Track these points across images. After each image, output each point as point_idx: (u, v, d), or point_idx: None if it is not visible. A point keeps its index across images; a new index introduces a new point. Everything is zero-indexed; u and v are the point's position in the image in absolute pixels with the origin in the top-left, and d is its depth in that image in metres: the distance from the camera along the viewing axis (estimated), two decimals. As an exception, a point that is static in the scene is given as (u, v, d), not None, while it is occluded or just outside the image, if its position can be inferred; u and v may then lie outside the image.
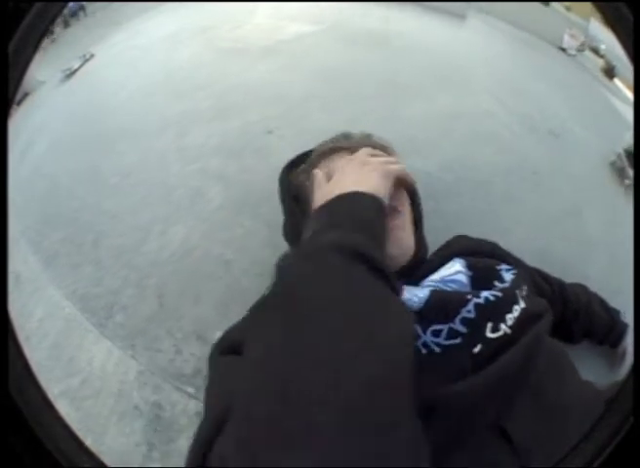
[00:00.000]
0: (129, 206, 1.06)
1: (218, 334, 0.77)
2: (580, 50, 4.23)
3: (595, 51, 4.59)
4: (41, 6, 0.67)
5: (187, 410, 0.78)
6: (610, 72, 4.21)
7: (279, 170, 0.92)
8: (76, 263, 0.95)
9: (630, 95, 2.01)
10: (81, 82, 1.50)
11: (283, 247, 0.91)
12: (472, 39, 3.52)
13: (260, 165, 1.15)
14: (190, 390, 0.80)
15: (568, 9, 4.79)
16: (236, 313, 0.80)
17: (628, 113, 2.21)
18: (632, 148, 2.07)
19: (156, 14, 2.79)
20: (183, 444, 0.74)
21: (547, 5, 4.43)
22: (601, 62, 4.54)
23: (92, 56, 1.74)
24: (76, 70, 1.54)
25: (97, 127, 1.49)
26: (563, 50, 4.27)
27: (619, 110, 2.77)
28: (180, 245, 0.95)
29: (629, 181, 2.04)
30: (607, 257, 1.26)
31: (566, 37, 4.19)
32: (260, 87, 1.66)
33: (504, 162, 1.39)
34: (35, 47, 0.70)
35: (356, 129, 1.09)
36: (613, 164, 2.07)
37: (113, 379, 0.80)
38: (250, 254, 0.93)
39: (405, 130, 1.28)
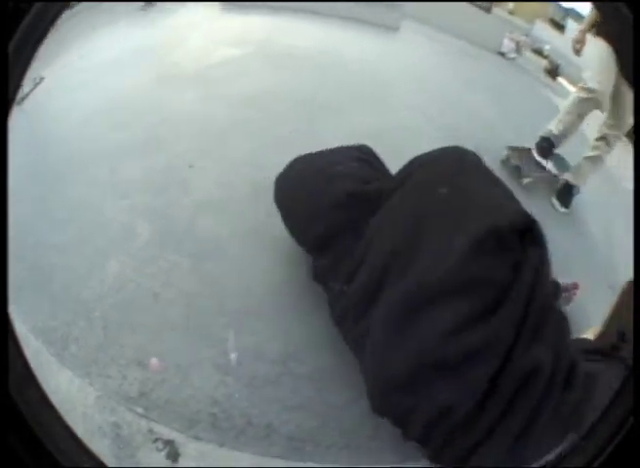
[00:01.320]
0: (74, 240, 1.29)
1: (154, 360, 1.02)
2: (519, 52, 4.71)
3: (539, 52, 5.08)
4: (41, 6, 0.71)
5: (141, 428, 1.02)
6: (553, 72, 4.67)
7: (200, 203, 1.21)
8: (35, 298, 1.16)
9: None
10: (30, 108, 1.70)
11: (207, 278, 1.18)
12: (405, 52, 3.92)
13: (183, 199, 1.40)
14: (139, 410, 1.03)
15: (511, 12, 5.27)
16: (167, 341, 1.06)
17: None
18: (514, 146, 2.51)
19: (101, 34, 2.84)
20: (143, 456, 0.97)
21: (489, 12, 4.92)
22: (545, 63, 5.00)
23: (42, 79, 1.95)
24: (27, 95, 1.70)
25: (44, 157, 1.70)
26: (502, 54, 4.76)
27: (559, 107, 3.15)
28: (115, 279, 1.20)
29: (528, 180, 2.44)
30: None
31: (506, 41, 4.68)
32: (188, 118, 1.93)
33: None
34: (35, 47, 0.74)
35: (276, 155, 1.36)
36: (504, 162, 2.46)
37: (78, 404, 1.01)
38: (175, 287, 1.19)
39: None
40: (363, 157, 1.27)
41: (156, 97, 2.11)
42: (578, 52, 2.47)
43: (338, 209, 1.12)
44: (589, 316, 1.43)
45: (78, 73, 2.31)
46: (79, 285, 1.18)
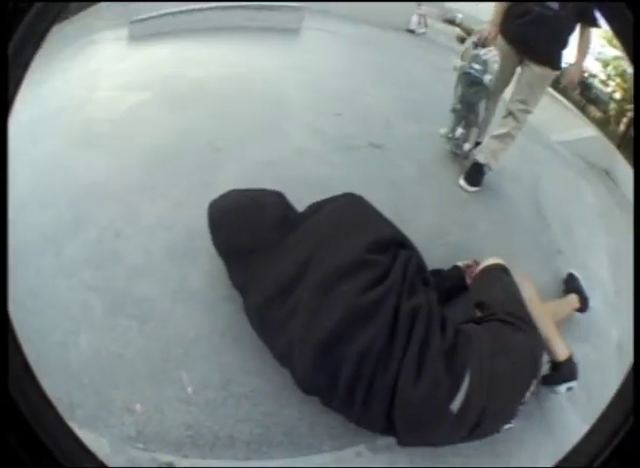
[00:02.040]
0: (45, 326, 1.55)
1: (138, 405, 1.38)
2: (425, 25, 5.06)
3: (451, 21, 5.52)
4: (40, 6, 0.74)
5: (147, 459, 1.27)
6: (465, 40, 5.07)
7: (134, 270, 1.57)
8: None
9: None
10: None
11: (154, 334, 1.56)
12: (306, 57, 4.20)
13: (117, 269, 1.72)
14: (140, 446, 1.29)
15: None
16: (141, 388, 1.41)
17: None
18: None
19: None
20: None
21: None
22: (457, 31, 5.43)
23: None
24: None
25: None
26: (411, 31, 5.15)
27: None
28: (88, 349, 1.50)
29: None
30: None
31: (414, 18, 5.07)
32: (103, 184, 2.15)
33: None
34: (35, 48, 0.78)
35: (186, 215, 1.75)
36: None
37: (98, 453, 1.36)
38: (133, 345, 1.54)
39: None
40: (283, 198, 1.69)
41: (73, 164, 2.36)
42: (489, 44, 2.56)
43: (264, 230, 1.52)
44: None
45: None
46: (63, 360, 1.48)
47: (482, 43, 2.51)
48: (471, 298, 1.57)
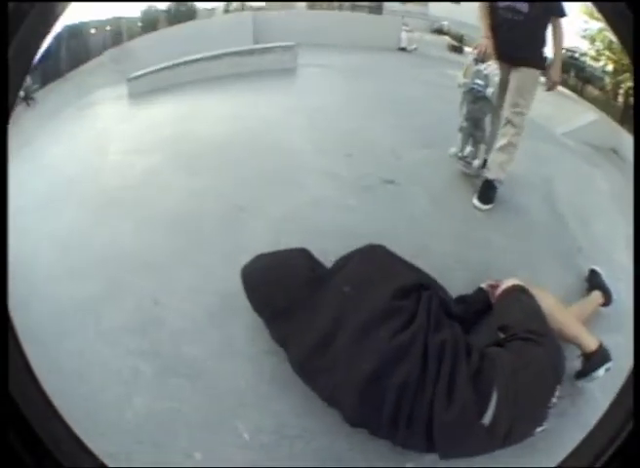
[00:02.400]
0: (97, 390, 1.76)
1: (197, 454, 1.59)
2: (413, 42, 5.24)
3: (439, 31, 5.76)
4: (40, 10, 0.78)
5: None
6: (458, 47, 5.29)
7: (177, 334, 1.80)
8: (95, 436, 1.66)
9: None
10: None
11: (205, 390, 1.78)
12: (304, 97, 4.45)
13: (161, 335, 1.93)
14: None
15: (403, 2, 5.84)
16: (203, 440, 1.58)
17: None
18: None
19: (23, 162, 3.06)
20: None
21: (381, 13, 5.48)
22: (447, 39, 5.66)
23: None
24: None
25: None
26: (403, 49, 5.39)
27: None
28: (143, 409, 1.67)
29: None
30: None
31: (403, 35, 5.32)
32: (133, 253, 2.36)
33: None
34: (36, 49, 0.82)
35: (220, 278, 1.98)
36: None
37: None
38: (186, 402, 1.71)
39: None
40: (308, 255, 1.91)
41: (98, 234, 2.56)
42: (488, 58, 2.72)
43: (296, 289, 1.73)
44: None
45: (20, 214, 2.81)
46: (118, 421, 1.67)
47: (481, 58, 2.71)
48: (494, 322, 1.76)
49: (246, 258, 1.95)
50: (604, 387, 1.88)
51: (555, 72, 2.74)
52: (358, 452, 1.54)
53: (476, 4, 2.90)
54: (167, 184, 2.85)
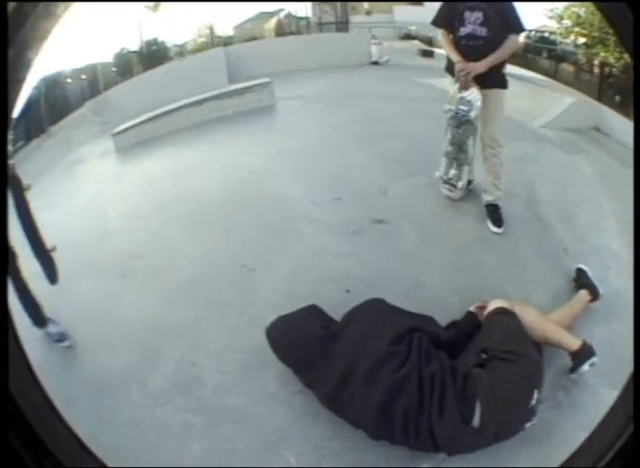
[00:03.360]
0: (146, 445, 2.25)
1: None
2: (382, 55, 5.74)
3: (408, 36, 6.41)
4: (41, 10, 0.85)
5: None
6: (427, 51, 5.89)
7: (218, 389, 2.40)
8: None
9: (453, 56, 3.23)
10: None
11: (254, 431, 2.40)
12: (287, 135, 4.87)
13: (204, 392, 2.46)
14: None
15: (368, 12, 6.50)
16: None
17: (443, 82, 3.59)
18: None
19: None
20: None
21: (347, 31, 6.02)
22: (416, 44, 6.31)
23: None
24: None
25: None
26: (376, 63, 5.96)
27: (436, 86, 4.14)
28: (200, 454, 2.19)
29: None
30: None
31: (373, 49, 5.90)
32: (158, 319, 2.86)
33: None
34: (37, 50, 0.90)
35: (241, 332, 2.61)
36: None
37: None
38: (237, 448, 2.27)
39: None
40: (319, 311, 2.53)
41: (120, 303, 3.01)
42: (470, 86, 3.20)
43: (314, 345, 2.35)
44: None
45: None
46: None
47: (464, 86, 3.24)
48: (478, 345, 2.36)
49: (265, 314, 2.56)
50: (598, 375, 2.39)
51: (478, 65, 3.15)
52: (384, 461, 2.12)
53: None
54: (175, 249, 3.38)
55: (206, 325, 2.84)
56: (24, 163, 4.07)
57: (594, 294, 2.78)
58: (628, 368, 2.10)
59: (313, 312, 2.54)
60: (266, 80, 5.28)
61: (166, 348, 2.72)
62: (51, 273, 2.90)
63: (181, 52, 6.17)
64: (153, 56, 6.00)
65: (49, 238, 3.38)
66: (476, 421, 2.02)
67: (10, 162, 2.49)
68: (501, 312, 2.39)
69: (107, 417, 2.38)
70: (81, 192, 4.45)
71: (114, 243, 3.61)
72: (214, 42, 6.16)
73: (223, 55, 5.80)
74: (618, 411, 1.02)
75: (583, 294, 2.78)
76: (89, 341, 2.81)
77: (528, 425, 2.11)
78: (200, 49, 6.20)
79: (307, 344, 2.35)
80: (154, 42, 6.02)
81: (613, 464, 0.94)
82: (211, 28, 6.17)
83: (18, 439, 0.88)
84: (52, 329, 2.84)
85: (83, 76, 5.44)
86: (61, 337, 2.83)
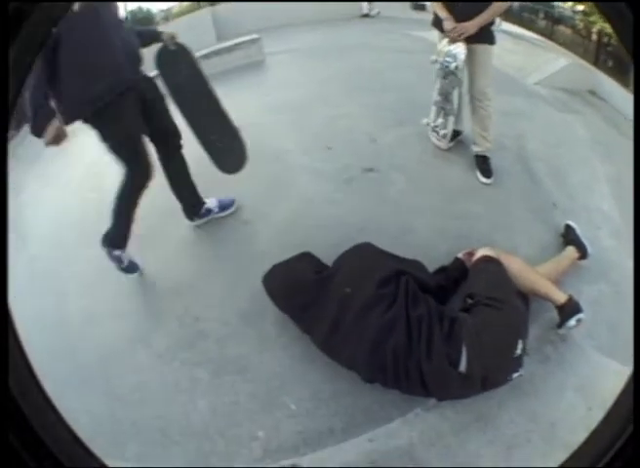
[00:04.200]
0: (156, 408, 2.38)
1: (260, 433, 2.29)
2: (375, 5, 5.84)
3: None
4: (42, 10, 0.86)
5: None
6: (420, 6, 6.02)
7: (221, 340, 2.60)
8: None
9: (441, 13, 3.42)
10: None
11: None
12: (277, 89, 4.94)
13: (208, 344, 2.63)
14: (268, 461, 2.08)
15: None
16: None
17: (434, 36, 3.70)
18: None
19: (24, 206, 3.72)
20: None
21: None
22: (408, -2, 6.37)
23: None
24: None
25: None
26: (367, 15, 6.08)
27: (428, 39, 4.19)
28: (207, 409, 2.33)
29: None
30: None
31: (364, 2, 5.97)
32: (165, 280, 3.02)
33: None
34: (37, 50, 0.91)
35: (242, 283, 2.78)
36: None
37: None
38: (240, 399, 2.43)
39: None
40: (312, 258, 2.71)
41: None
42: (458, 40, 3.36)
43: (308, 290, 2.52)
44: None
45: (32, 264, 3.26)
46: (187, 423, 2.31)
47: (453, 40, 3.41)
48: (465, 290, 2.48)
49: (261, 264, 2.73)
50: (585, 333, 2.52)
51: (471, 24, 3.31)
52: (378, 404, 2.29)
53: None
54: (170, 208, 3.46)
55: (205, 279, 3.00)
56: (19, 149, 4.16)
57: (582, 252, 2.90)
58: (615, 331, 2.46)
59: (306, 258, 2.72)
60: (255, 36, 5.34)
61: (169, 307, 2.90)
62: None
63: (167, 17, 6.16)
64: (139, 21, 6.04)
65: (49, 215, 3.80)
66: (463, 365, 2.15)
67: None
68: (488, 260, 2.50)
69: (117, 387, 2.54)
70: (75, 167, 4.54)
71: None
72: (200, 3, 6.15)
73: (210, 15, 5.80)
74: (617, 411, 1.03)
75: (571, 251, 2.90)
76: (96, 310, 2.95)
77: (515, 375, 2.23)
78: (187, 11, 6.19)
79: (302, 289, 2.52)
80: (139, 10, 6.04)
81: (613, 464, 0.95)
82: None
83: (18, 439, 0.89)
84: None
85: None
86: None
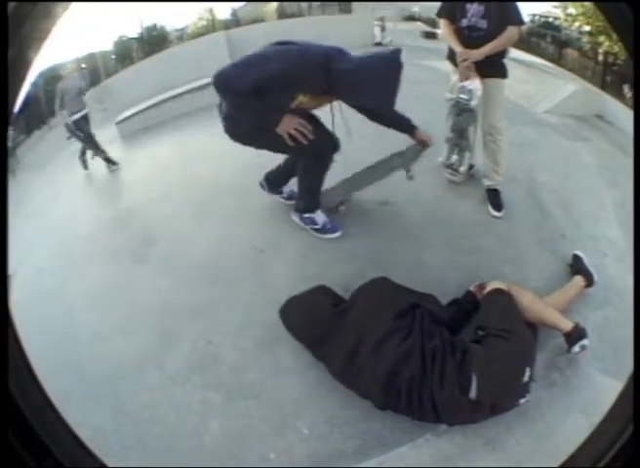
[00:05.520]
0: (165, 427, 2.47)
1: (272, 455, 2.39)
2: (385, 35, 5.99)
3: (412, 18, 6.68)
4: (41, 10, 0.88)
5: None
6: (431, 34, 6.16)
7: (235, 365, 2.72)
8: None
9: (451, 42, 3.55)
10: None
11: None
12: None
13: (222, 368, 2.73)
14: None
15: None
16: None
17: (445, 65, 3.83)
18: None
19: (30, 216, 3.83)
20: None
21: (350, 12, 6.26)
22: (419, 25, 6.59)
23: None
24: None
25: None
26: (379, 44, 6.22)
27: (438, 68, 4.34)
28: (219, 432, 2.43)
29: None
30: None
31: (376, 30, 6.13)
32: (175, 301, 3.11)
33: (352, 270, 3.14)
34: (37, 50, 0.93)
35: (256, 309, 2.89)
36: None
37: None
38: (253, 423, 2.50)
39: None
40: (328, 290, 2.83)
41: (137, 287, 3.25)
42: (471, 76, 3.48)
43: (324, 323, 2.65)
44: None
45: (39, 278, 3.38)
46: (197, 446, 2.38)
47: (465, 76, 3.53)
48: (476, 322, 2.64)
49: (277, 293, 2.87)
50: (591, 357, 2.64)
51: (477, 52, 3.41)
52: (389, 430, 2.40)
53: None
54: (189, 235, 3.63)
55: (220, 305, 3.10)
56: (27, 155, 4.39)
57: (589, 280, 3.03)
58: (620, 353, 2.50)
59: (322, 291, 2.86)
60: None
61: (183, 330, 2.97)
62: None
63: (181, 36, 6.33)
64: (153, 41, 6.20)
65: (58, 229, 3.86)
66: (473, 393, 2.28)
67: None
68: (499, 292, 2.64)
69: (126, 404, 2.59)
70: (88, 181, 4.75)
71: (128, 230, 3.85)
72: (215, 26, 6.33)
73: (225, 38, 5.97)
74: (617, 411, 1.05)
75: (579, 280, 3.03)
76: (104, 328, 3.02)
77: (522, 401, 2.37)
78: (200, 33, 6.38)
79: (319, 322, 2.64)
80: (154, 28, 6.20)
81: (613, 464, 0.97)
82: (212, 12, 6.35)
83: (18, 439, 0.91)
84: None
85: (83, 65, 5.62)
86: None
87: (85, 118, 4.58)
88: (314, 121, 3.15)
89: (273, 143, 3.15)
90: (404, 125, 3.39)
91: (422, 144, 3.46)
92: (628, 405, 1.00)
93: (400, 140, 3.50)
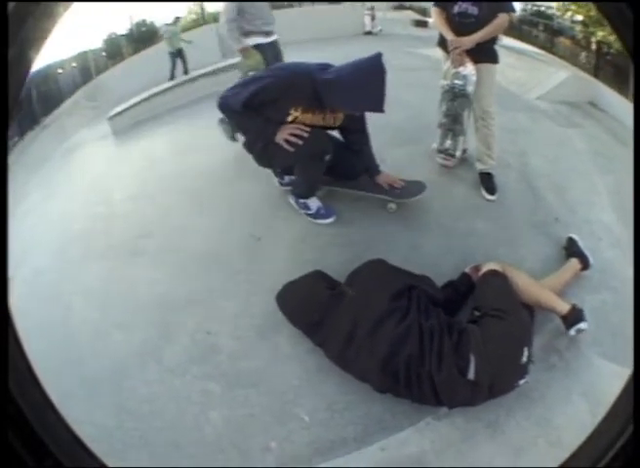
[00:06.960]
0: (165, 421, 2.45)
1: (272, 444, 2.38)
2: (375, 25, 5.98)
3: (401, 6, 6.65)
4: (41, 10, 0.89)
5: None
6: (422, 22, 6.16)
7: (234, 354, 2.71)
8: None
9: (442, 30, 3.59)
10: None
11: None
12: None
13: (220, 357, 2.72)
14: None
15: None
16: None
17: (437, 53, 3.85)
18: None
19: (26, 215, 3.73)
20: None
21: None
22: (410, 14, 6.58)
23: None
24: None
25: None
26: (369, 33, 6.22)
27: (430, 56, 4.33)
28: (220, 421, 2.42)
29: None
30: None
31: (366, 20, 6.13)
32: (172, 294, 3.07)
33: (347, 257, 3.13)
34: (37, 50, 0.93)
35: (254, 298, 2.88)
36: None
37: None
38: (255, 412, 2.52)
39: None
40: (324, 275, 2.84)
41: (133, 282, 3.22)
42: (465, 62, 3.51)
43: (321, 307, 2.64)
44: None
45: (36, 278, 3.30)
46: (199, 436, 2.38)
47: (458, 63, 3.55)
48: (472, 303, 2.67)
49: (274, 281, 2.86)
50: (590, 340, 2.67)
51: (467, 39, 3.46)
52: (389, 414, 2.40)
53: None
54: (185, 228, 3.61)
55: (218, 295, 3.09)
56: (22, 157, 4.33)
57: (585, 263, 3.06)
58: (619, 337, 2.57)
59: (319, 276, 2.86)
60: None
61: (182, 321, 2.94)
62: None
63: (172, 30, 6.27)
64: (142, 36, 6.18)
65: (54, 227, 3.83)
66: (471, 373, 2.30)
67: None
68: (494, 274, 2.67)
69: (127, 399, 2.58)
70: (82, 178, 4.65)
71: (121, 226, 3.82)
72: (205, 18, 6.29)
73: (216, 31, 5.93)
74: (617, 411, 1.05)
75: (574, 263, 3.06)
76: (103, 324, 2.98)
77: (521, 382, 2.39)
78: (191, 27, 6.34)
79: (315, 306, 2.64)
80: (143, 23, 6.17)
81: (613, 464, 0.97)
82: (201, 5, 6.31)
83: (18, 439, 0.91)
84: None
85: (74, 64, 5.64)
86: None
87: None
88: (311, 128, 3.21)
89: (282, 158, 3.31)
90: (373, 164, 3.54)
91: (390, 186, 3.52)
92: (628, 404, 1.00)
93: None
